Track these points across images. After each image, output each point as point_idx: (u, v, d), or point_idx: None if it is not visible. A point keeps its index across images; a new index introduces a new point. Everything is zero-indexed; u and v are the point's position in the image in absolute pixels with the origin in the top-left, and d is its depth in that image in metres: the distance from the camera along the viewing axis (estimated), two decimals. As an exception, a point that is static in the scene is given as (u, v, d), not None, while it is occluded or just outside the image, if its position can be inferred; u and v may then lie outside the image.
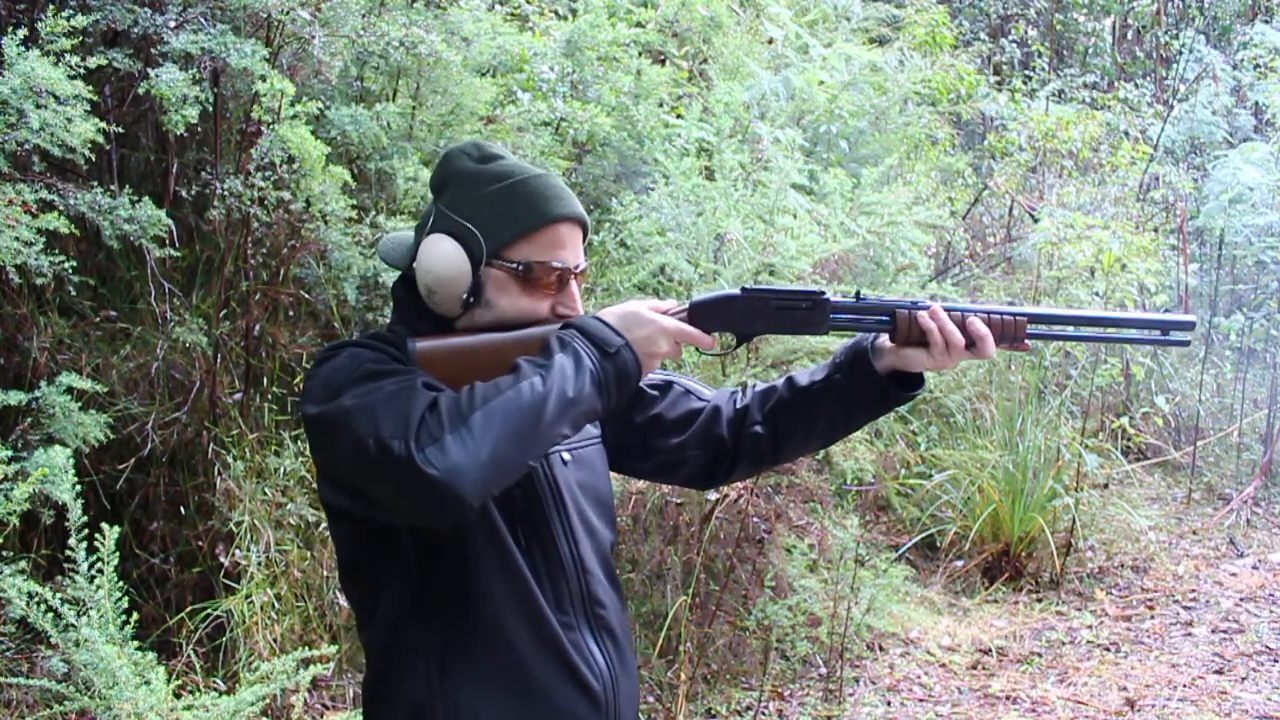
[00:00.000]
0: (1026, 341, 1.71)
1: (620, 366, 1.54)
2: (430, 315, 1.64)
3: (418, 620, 1.58)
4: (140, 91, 3.40)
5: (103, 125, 3.18)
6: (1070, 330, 1.80)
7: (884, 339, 1.73)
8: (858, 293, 1.74)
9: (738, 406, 1.83)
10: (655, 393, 1.84)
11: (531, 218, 1.61)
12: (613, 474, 1.86)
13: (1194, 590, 5.35)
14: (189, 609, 3.53)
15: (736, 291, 1.73)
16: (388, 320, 1.75)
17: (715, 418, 1.82)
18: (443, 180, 1.67)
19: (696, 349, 1.70)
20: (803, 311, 1.72)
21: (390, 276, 3.75)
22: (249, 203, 3.57)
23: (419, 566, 1.57)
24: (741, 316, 1.73)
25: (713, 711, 4.02)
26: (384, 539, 1.57)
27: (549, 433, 1.47)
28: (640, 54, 5.27)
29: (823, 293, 1.73)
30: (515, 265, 1.60)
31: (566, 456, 1.69)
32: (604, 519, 1.74)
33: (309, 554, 3.67)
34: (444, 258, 1.59)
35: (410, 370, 1.52)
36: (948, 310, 1.69)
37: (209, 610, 3.50)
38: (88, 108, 3.13)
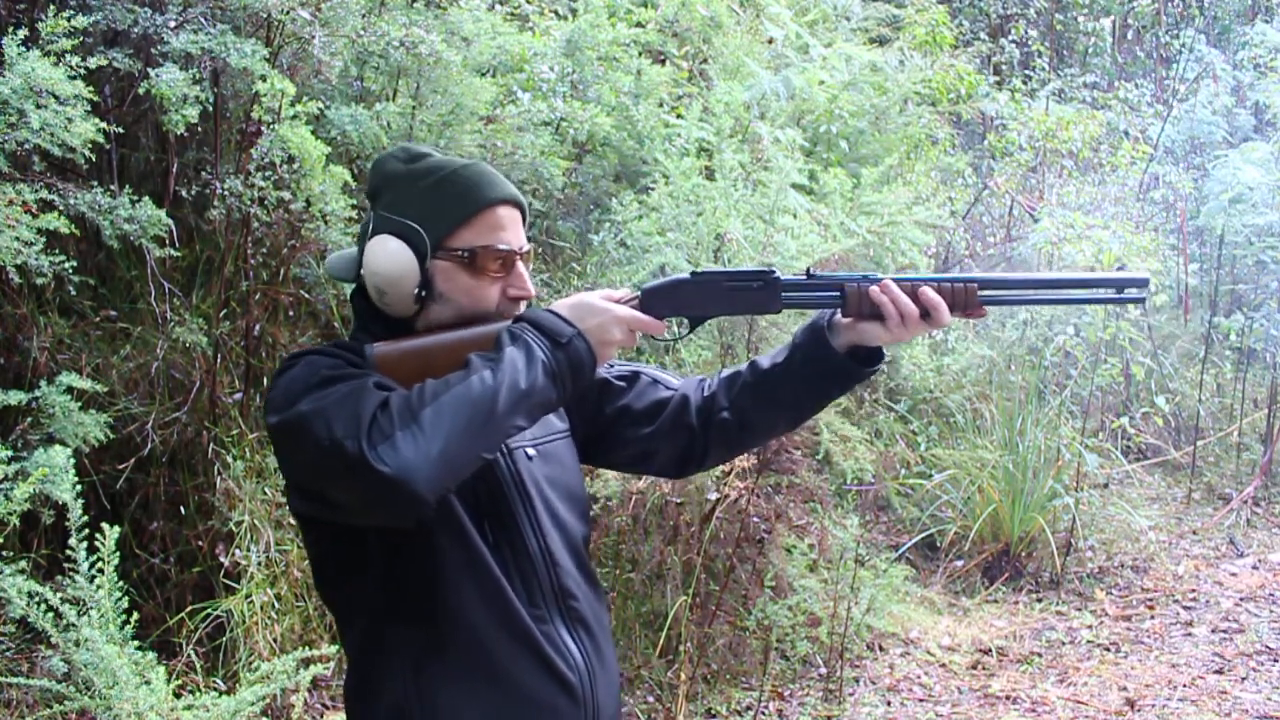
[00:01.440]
0: (982, 307, 1.72)
1: (573, 356, 1.55)
2: (388, 319, 1.66)
3: (392, 621, 1.59)
4: (140, 91, 3.40)
5: (103, 125, 3.18)
6: (1023, 295, 1.81)
7: (842, 315, 1.74)
8: (808, 270, 1.76)
9: (705, 394, 1.84)
10: (622, 383, 1.85)
11: (467, 204, 1.63)
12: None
13: (1194, 590, 5.35)
14: (189, 609, 3.53)
15: (687, 275, 1.74)
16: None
17: (684, 407, 1.83)
18: (377, 186, 1.68)
19: (650, 336, 1.71)
20: (754, 291, 1.74)
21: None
22: (249, 202, 3.57)
23: (387, 568, 1.58)
24: (694, 300, 1.74)
25: (713, 711, 4.02)
26: (352, 542, 1.58)
27: (502, 425, 1.48)
28: (640, 54, 5.27)
29: (773, 271, 1.75)
30: (460, 253, 1.62)
31: (531, 451, 1.70)
32: (575, 512, 1.74)
33: (309, 554, 3.67)
34: (389, 256, 1.61)
35: (365, 373, 1.54)
36: (898, 282, 1.70)
37: (209, 610, 3.50)
38: (88, 108, 3.13)
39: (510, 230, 1.66)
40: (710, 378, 1.88)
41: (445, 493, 1.48)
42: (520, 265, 1.67)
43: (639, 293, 1.71)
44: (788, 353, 1.79)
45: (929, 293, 1.69)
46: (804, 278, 1.74)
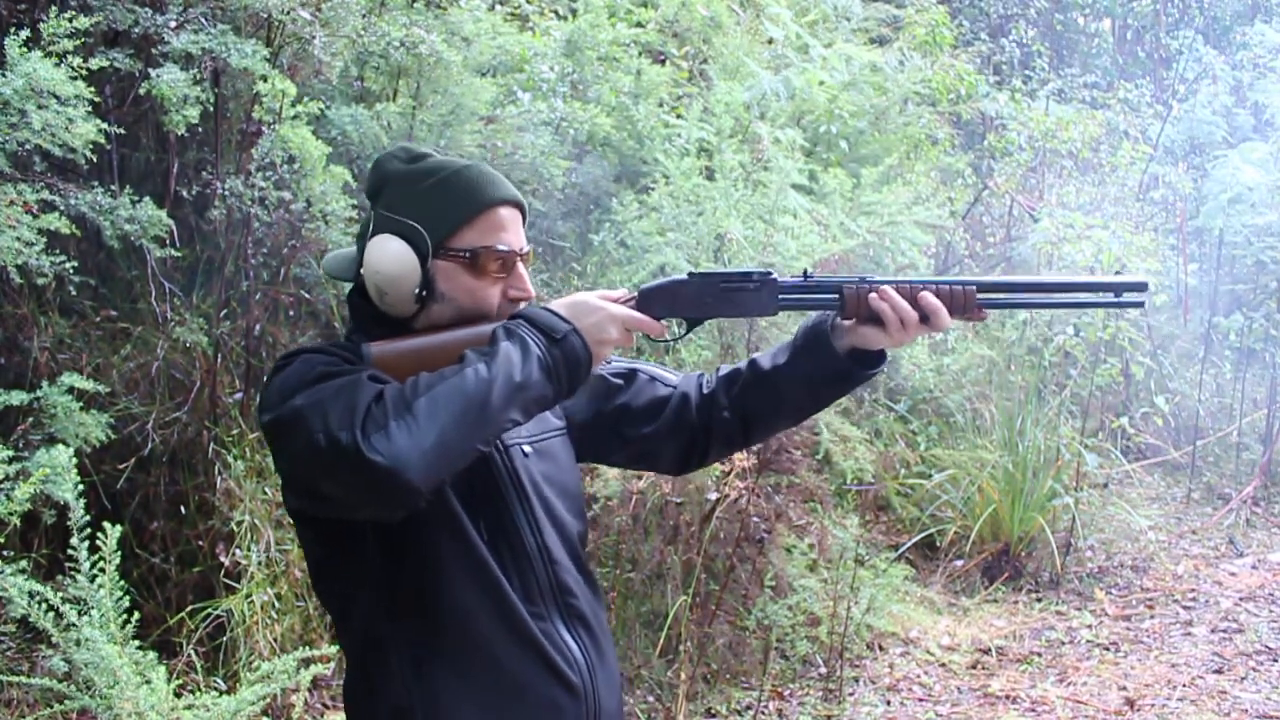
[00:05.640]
0: (982, 310, 1.72)
1: (568, 352, 1.55)
2: (387, 319, 1.66)
3: (389, 620, 1.58)
4: (141, 92, 3.41)
5: (104, 125, 3.19)
6: (1022, 297, 1.81)
7: (840, 318, 1.75)
8: (805, 271, 1.76)
9: (704, 393, 1.85)
10: (620, 382, 1.85)
11: (470, 205, 1.63)
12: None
13: (1193, 590, 5.35)
14: (189, 608, 3.54)
15: (684, 276, 1.74)
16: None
17: (684, 405, 1.83)
18: (377, 185, 1.68)
19: (648, 336, 1.71)
20: (751, 292, 1.74)
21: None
22: (250, 203, 3.58)
23: (385, 566, 1.57)
24: (691, 300, 1.74)
25: (713, 711, 4.03)
26: (349, 540, 1.57)
27: (497, 418, 1.48)
28: (640, 54, 5.27)
29: (770, 273, 1.75)
30: (462, 253, 1.62)
31: (527, 449, 1.70)
32: (571, 509, 1.74)
33: (309, 553, 3.67)
34: (391, 256, 1.61)
35: (361, 368, 1.54)
36: (897, 285, 1.70)
37: (209, 610, 3.50)
38: (89, 108, 3.13)
39: (511, 231, 1.66)
40: (709, 374, 1.88)
41: (438, 484, 1.47)
42: (520, 266, 1.67)
43: (636, 293, 1.71)
44: (789, 353, 1.79)
45: (929, 297, 1.70)
46: (801, 280, 1.74)
